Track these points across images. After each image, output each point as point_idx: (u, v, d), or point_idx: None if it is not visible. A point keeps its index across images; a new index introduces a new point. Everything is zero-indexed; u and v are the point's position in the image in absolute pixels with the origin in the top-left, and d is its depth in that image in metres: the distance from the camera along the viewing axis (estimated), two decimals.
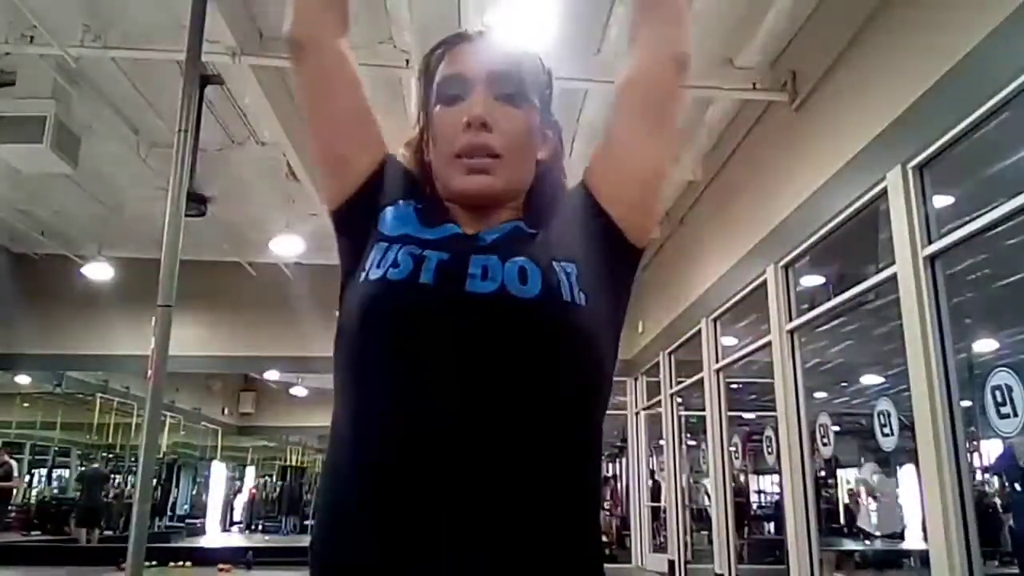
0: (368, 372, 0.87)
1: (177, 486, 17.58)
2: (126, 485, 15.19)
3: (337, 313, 0.97)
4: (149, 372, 3.62)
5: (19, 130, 5.70)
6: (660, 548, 9.89)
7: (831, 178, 4.89)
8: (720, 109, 6.52)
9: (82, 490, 12.60)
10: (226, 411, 19.18)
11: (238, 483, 22.97)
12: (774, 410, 5.80)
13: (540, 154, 1.02)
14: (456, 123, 0.95)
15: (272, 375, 15.82)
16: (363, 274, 0.92)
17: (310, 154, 1.03)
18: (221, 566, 9.49)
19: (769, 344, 5.86)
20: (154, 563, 8.27)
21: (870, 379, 10.88)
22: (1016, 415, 3.47)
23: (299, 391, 17.47)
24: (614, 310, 0.97)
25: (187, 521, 17.79)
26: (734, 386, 7.74)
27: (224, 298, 10.47)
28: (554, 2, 5.09)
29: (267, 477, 23.64)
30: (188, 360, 9.15)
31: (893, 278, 4.20)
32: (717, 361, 7.27)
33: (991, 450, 8.94)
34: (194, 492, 19.50)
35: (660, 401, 9.19)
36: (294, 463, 22.63)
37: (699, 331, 7.48)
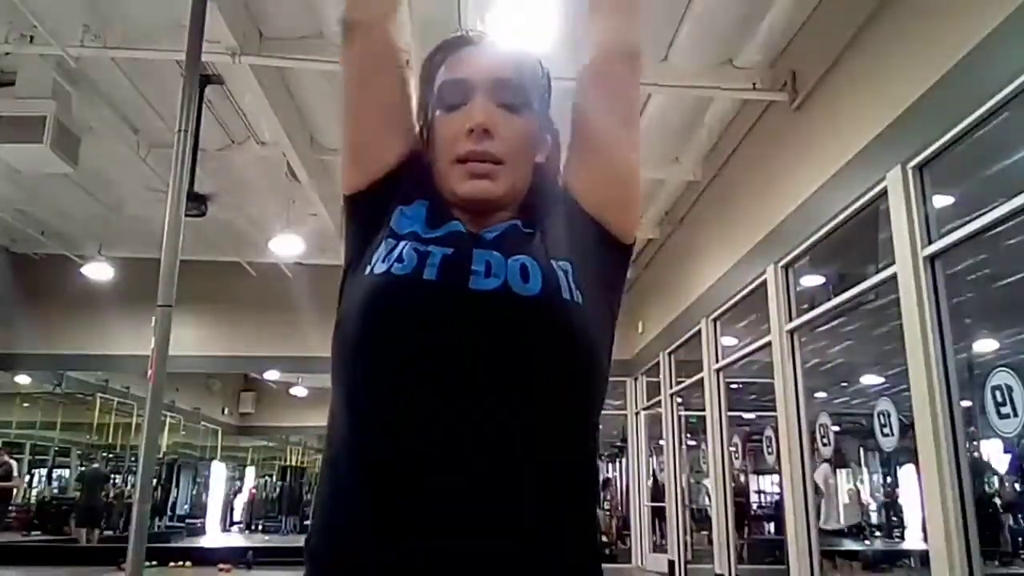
0: (368, 367, 0.87)
1: (177, 486, 17.57)
2: (126, 485, 15.19)
3: (338, 305, 0.97)
4: (149, 372, 3.62)
5: (19, 130, 5.70)
6: (660, 548, 9.90)
7: (831, 178, 4.89)
8: (720, 109, 6.52)
9: (82, 490, 12.60)
10: (226, 411, 19.18)
11: (238, 483, 22.98)
12: (774, 410, 5.80)
13: (538, 158, 1.03)
14: (458, 129, 0.96)
15: (272, 375, 15.82)
16: (368, 268, 0.93)
17: (341, 136, 1.03)
18: (221, 566, 9.49)
19: (769, 344, 5.86)
20: (154, 563, 8.27)
21: (870, 379, 10.88)
22: (1016, 415, 3.47)
23: (299, 391, 17.47)
24: (608, 308, 0.97)
25: (187, 521, 17.77)
26: (734, 386, 7.74)
27: (224, 298, 10.47)
28: (554, 2, 5.09)
29: (267, 477, 23.63)
30: (188, 360, 9.15)
31: (893, 278, 4.20)
32: (717, 361, 7.27)
33: (993, 451, 8.95)
34: (194, 492, 19.48)
35: (660, 401, 9.19)
36: (294, 463, 22.64)
37: (699, 331, 7.48)
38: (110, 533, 12.53)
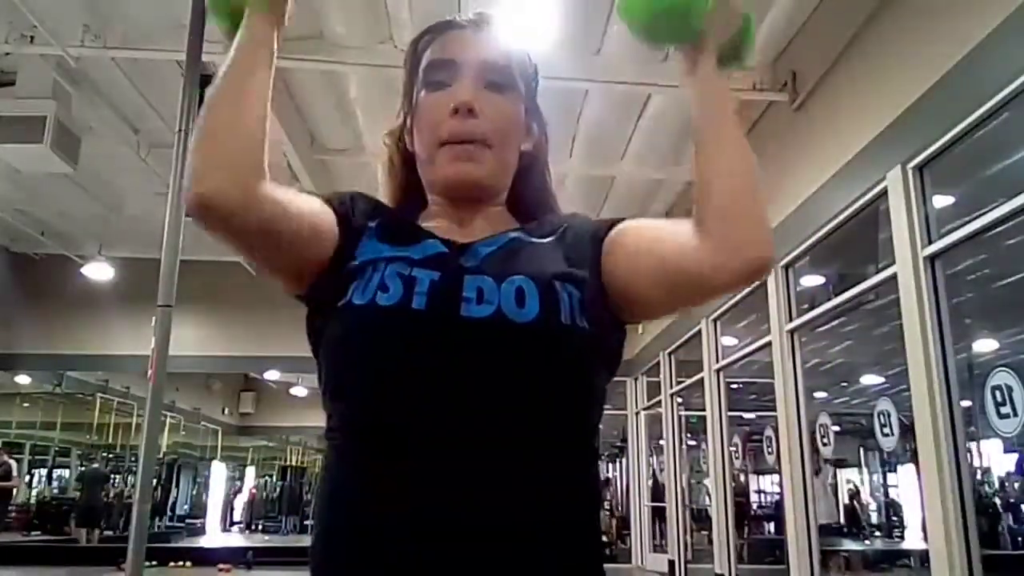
0: (361, 403, 0.84)
1: (177, 486, 17.58)
2: (126, 485, 15.18)
3: (311, 346, 0.92)
4: (149, 372, 3.61)
5: (19, 130, 5.70)
6: (660, 548, 9.90)
7: (831, 178, 4.89)
8: None
9: (82, 490, 12.60)
10: (226, 411, 19.18)
11: (238, 483, 22.99)
12: (774, 410, 5.80)
13: (524, 145, 1.00)
14: (442, 109, 0.93)
15: (272, 375, 15.81)
16: (345, 298, 0.86)
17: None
18: (221, 566, 9.49)
19: (769, 344, 5.86)
20: (154, 563, 8.27)
21: (870, 379, 10.89)
22: (1016, 415, 3.47)
23: (299, 391, 17.46)
24: (612, 341, 0.92)
25: (187, 521, 17.78)
26: (734, 386, 7.74)
27: (224, 298, 10.46)
28: (554, 2, 5.09)
29: (267, 477, 23.63)
30: (188, 360, 9.15)
31: (893, 278, 4.20)
32: (717, 361, 7.27)
33: (993, 451, 8.95)
34: (194, 492, 19.49)
35: (660, 401, 9.19)
36: (294, 463, 22.62)
37: (699, 331, 7.49)
38: (110, 533, 12.53)
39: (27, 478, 17.68)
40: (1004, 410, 3.52)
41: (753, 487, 11.12)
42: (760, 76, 5.71)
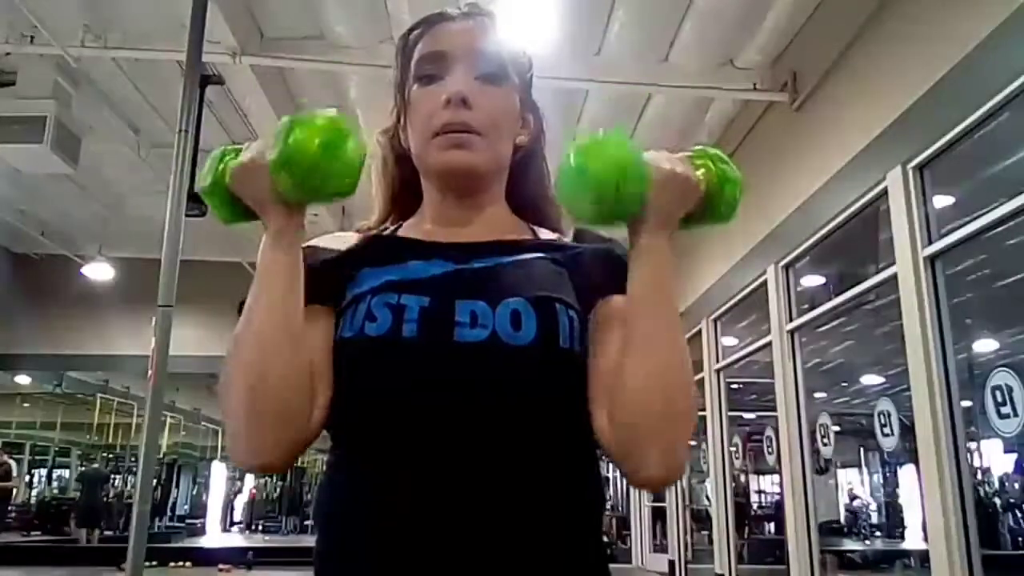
0: (358, 437, 0.84)
1: (177, 486, 17.58)
2: (126, 485, 15.20)
3: None
4: (149, 372, 3.62)
5: (19, 130, 5.69)
6: (660, 548, 9.89)
7: (831, 178, 4.89)
8: (720, 109, 6.52)
9: (82, 490, 12.60)
10: None
11: (238, 483, 22.96)
12: (774, 410, 5.80)
13: (520, 138, 0.99)
14: (434, 102, 0.91)
15: None
16: (336, 337, 0.85)
17: None
18: (221, 566, 9.50)
19: (769, 344, 5.86)
20: (154, 563, 8.26)
21: (870, 379, 10.88)
22: (1016, 415, 3.47)
23: None
24: None
25: (187, 521, 17.78)
26: (734, 386, 7.74)
27: (224, 298, 10.37)
28: (554, 2, 5.09)
29: (267, 477, 23.62)
30: (188, 360, 9.13)
31: (893, 278, 4.19)
32: (717, 361, 7.27)
33: (993, 451, 8.95)
34: (194, 492, 19.50)
35: None
36: (294, 463, 22.61)
37: (699, 331, 7.48)
38: (110, 533, 12.53)
39: (27, 478, 17.70)
40: (1004, 410, 3.52)
41: (753, 487, 11.12)
42: (760, 76, 5.71)
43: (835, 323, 5.97)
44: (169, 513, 16.64)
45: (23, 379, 13.91)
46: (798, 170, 5.40)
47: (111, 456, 16.14)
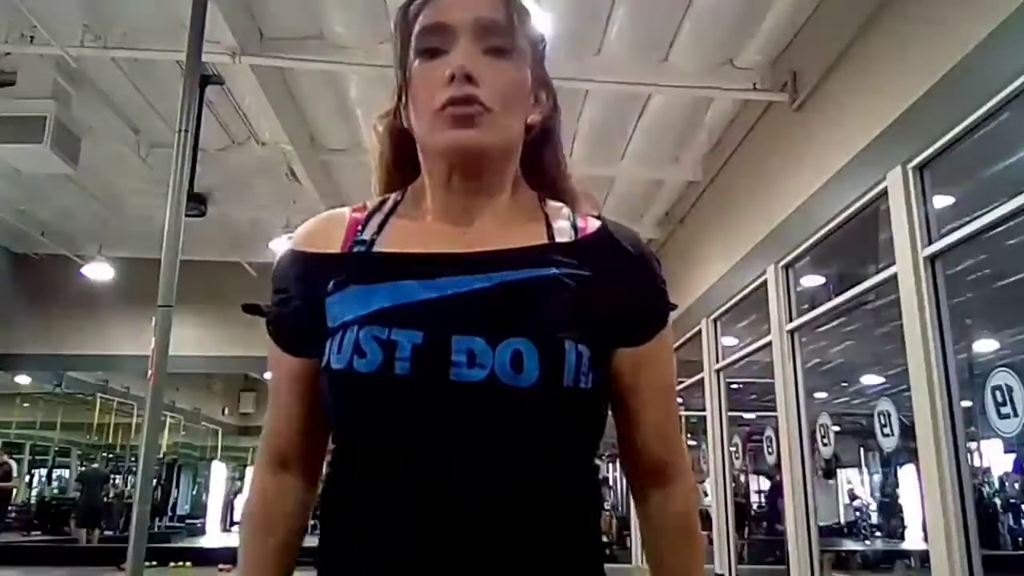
0: (353, 470, 0.83)
1: (177, 486, 17.56)
2: (126, 485, 15.19)
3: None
4: (149, 372, 3.62)
5: (19, 130, 5.70)
6: None
7: (831, 178, 4.89)
8: (720, 109, 6.51)
9: (82, 490, 12.60)
10: (226, 411, 19.18)
11: (238, 483, 22.94)
12: (774, 410, 5.80)
13: (532, 116, 0.90)
14: (437, 78, 0.83)
15: None
16: (324, 361, 0.81)
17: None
18: (221, 566, 9.50)
19: (769, 344, 5.86)
20: (154, 563, 8.26)
21: (870, 379, 10.89)
22: (1016, 415, 3.47)
23: None
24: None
25: (187, 521, 17.77)
26: (734, 386, 7.74)
27: (224, 298, 10.44)
28: (554, 2, 5.09)
29: None
30: (188, 360, 9.14)
31: (893, 278, 4.19)
32: (717, 361, 7.27)
33: (993, 451, 8.95)
34: (194, 492, 19.48)
35: None
36: None
37: (699, 331, 7.48)
38: (110, 533, 12.53)
39: (27, 478, 17.69)
40: (1004, 410, 3.52)
41: (753, 487, 11.13)
42: (760, 76, 5.71)
43: (835, 323, 5.97)
44: (169, 513, 16.62)
45: (23, 379, 13.91)
46: (798, 170, 5.40)
47: (111, 456, 16.14)
